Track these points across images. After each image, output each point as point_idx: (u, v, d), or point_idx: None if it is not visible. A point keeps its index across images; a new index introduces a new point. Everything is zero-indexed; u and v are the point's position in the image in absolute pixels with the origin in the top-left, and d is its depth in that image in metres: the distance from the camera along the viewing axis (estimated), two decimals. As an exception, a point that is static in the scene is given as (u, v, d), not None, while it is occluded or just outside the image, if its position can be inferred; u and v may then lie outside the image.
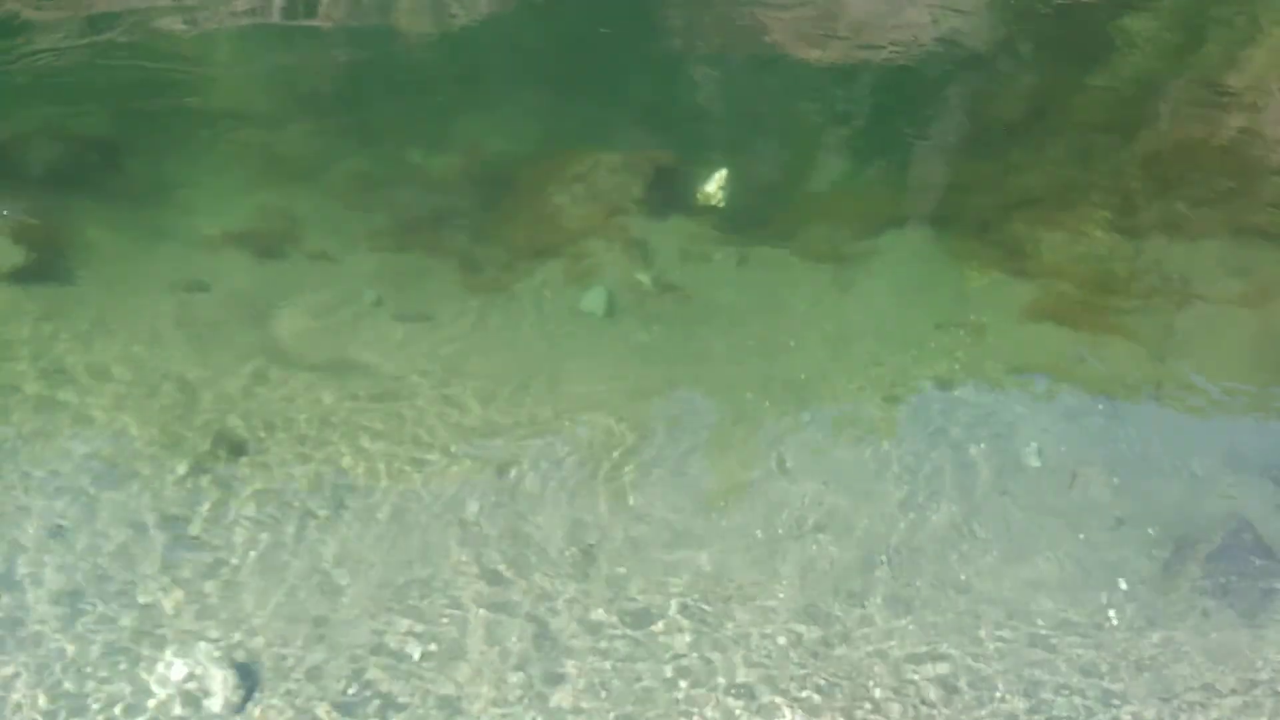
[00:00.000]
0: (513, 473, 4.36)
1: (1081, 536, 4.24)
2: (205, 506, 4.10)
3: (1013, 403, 4.91)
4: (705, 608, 3.89)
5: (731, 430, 4.67)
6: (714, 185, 6.18)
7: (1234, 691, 3.73)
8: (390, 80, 7.27)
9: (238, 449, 4.37)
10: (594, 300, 5.31)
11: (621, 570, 4.02)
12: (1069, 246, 6.01)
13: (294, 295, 5.26)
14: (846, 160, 6.95)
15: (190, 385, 4.66)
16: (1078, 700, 3.66)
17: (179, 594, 3.79)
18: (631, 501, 4.27)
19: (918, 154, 7.06)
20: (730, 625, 3.84)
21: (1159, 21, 8.83)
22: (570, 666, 3.66)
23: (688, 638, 3.79)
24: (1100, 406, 4.88)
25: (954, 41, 8.13)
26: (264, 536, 4.01)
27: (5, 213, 4.81)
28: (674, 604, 3.90)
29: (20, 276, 5.13)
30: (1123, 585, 4.03)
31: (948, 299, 5.64)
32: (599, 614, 3.85)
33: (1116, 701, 3.67)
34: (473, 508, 4.21)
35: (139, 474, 4.22)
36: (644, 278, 5.52)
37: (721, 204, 6.12)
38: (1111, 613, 3.93)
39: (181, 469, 4.25)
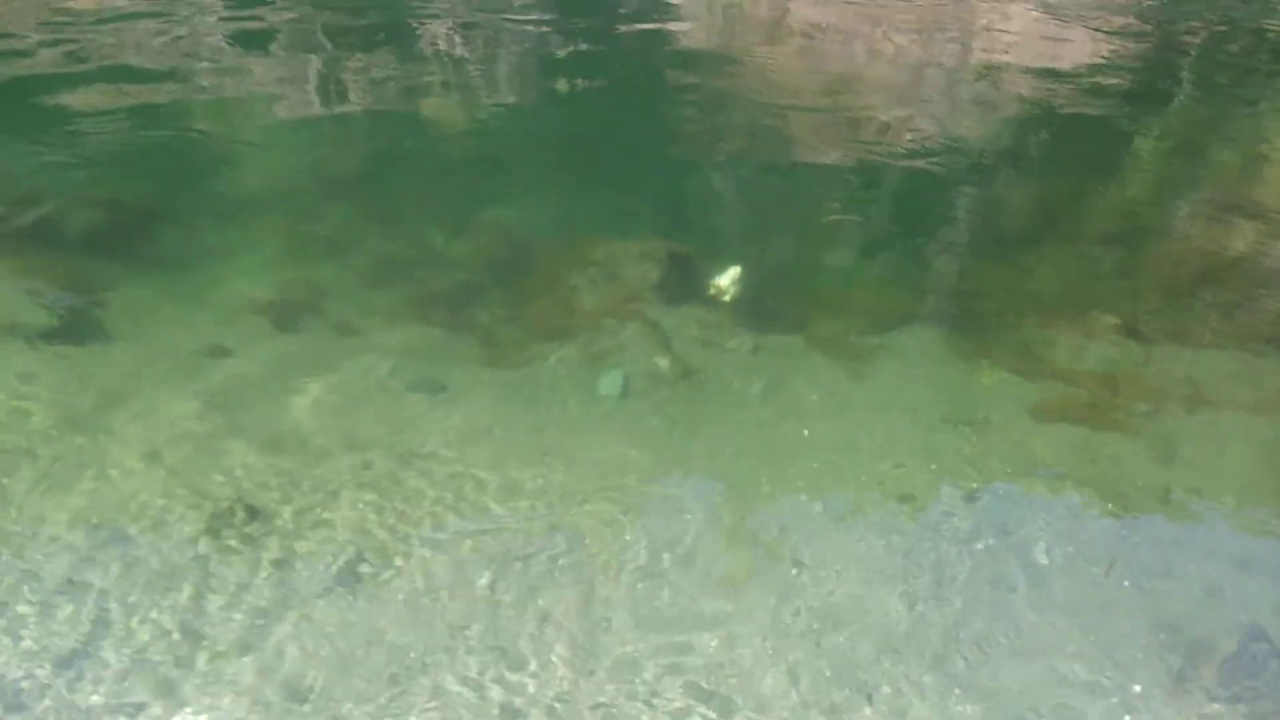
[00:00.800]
0: (525, 549, 4.36)
1: (1092, 639, 4.19)
2: (216, 569, 4.11)
3: (1021, 501, 4.91)
4: (711, 692, 3.84)
5: (742, 518, 4.68)
6: (727, 280, 6.31)
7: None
8: (416, 165, 7.52)
9: (251, 514, 4.40)
10: (611, 383, 5.39)
11: (629, 650, 3.98)
12: (1078, 350, 6.08)
13: (314, 365, 5.34)
14: (859, 258, 7.10)
15: (208, 449, 4.72)
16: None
17: (187, 650, 3.77)
18: (641, 584, 4.26)
19: (929, 255, 7.20)
20: (735, 713, 3.79)
21: (1168, 134, 9.11)
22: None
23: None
24: (1109, 508, 4.87)
25: (969, 148, 8.38)
26: (272, 604, 4.01)
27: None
28: (679, 686, 3.86)
29: (53, 335, 5.27)
30: (1136, 689, 3.97)
31: (957, 396, 5.68)
32: (608, 691, 3.80)
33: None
34: (483, 582, 4.20)
35: (151, 535, 4.24)
36: (662, 362, 5.60)
37: (732, 299, 6.23)
38: (1127, 717, 3.87)
39: (193, 532, 4.27)
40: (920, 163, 8.10)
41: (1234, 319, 6.50)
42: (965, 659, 4.06)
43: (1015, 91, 9.31)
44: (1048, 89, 9.30)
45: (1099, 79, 9.54)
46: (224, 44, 8.66)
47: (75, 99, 7.52)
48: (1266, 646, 4.11)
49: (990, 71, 9.68)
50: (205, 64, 8.27)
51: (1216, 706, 3.94)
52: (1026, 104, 9.15)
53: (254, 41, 8.65)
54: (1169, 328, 6.33)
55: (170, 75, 8.02)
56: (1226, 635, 4.21)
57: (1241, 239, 7.41)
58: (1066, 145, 8.69)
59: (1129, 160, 8.52)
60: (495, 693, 3.78)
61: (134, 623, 3.88)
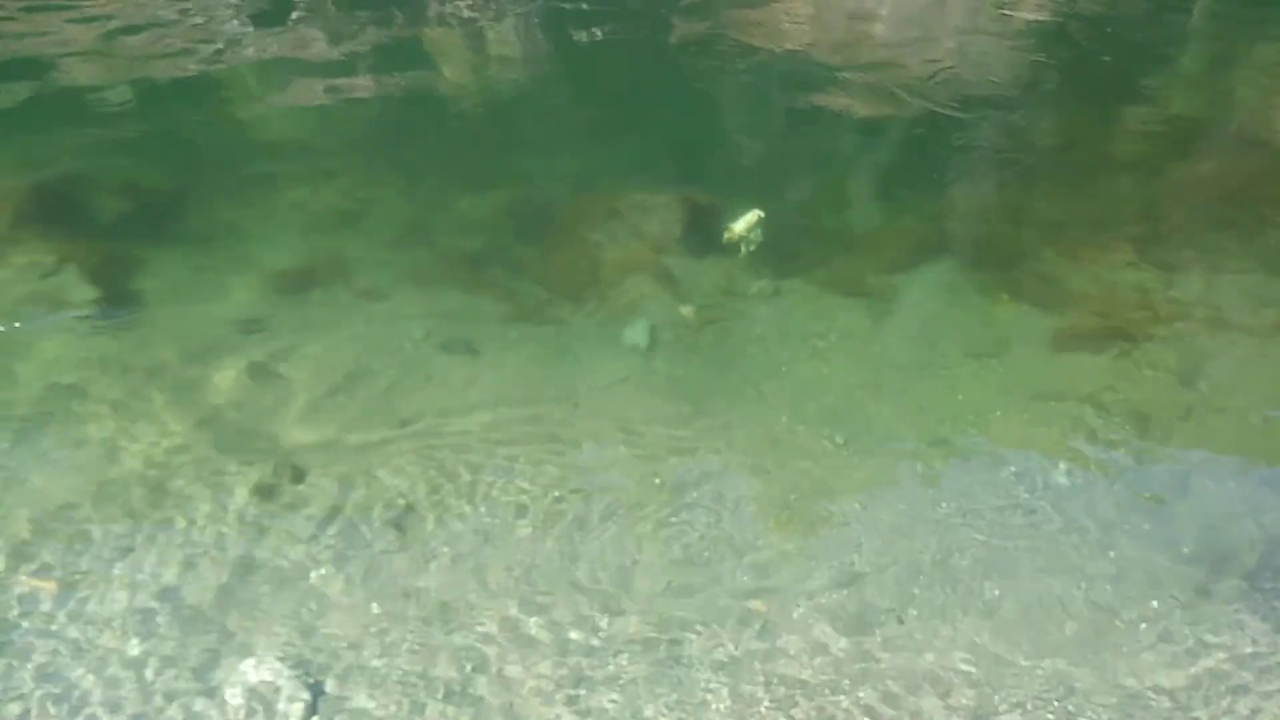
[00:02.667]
0: (563, 498, 4.52)
1: (1112, 554, 4.30)
2: (262, 531, 4.31)
3: (1042, 427, 5.00)
4: (745, 625, 4.00)
5: (768, 458, 4.81)
6: (744, 225, 6.35)
7: (1266, 693, 3.78)
8: (433, 129, 7.59)
9: (296, 476, 4.58)
10: (637, 334, 5.50)
11: (661, 586, 4.16)
12: (1098, 277, 6.11)
13: (346, 332, 5.50)
14: (876, 198, 7.12)
15: (250, 415, 4.90)
16: (1114, 707, 3.71)
17: (243, 610, 3.98)
18: (675, 525, 4.41)
19: (946, 190, 7.21)
20: (771, 640, 3.95)
21: (1190, 59, 8.99)
22: (613, 672, 3.78)
23: (729, 649, 3.90)
24: (1130, 430, 4.96)
25: (985, 81, 8.31)
26: (318, 560, 4.20)
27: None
28: (712, 619, 4.03)
29: (86, 317, 5.43)
30: (1154, 604, 4.09)
31: (978, 329, 5.75)
32: (638, 628, 3.98)
33: (1151, 707, 3.72)
34: (525, 532, 4.38)
35: (202, 501, 4.44)
36: (686, 311, 5.70)
37: (753, 246, 6.30)
38: (1144, 626, 3.99)
39: (243, 495, 4.46)
40: (936, 98, 8.05)
41: (1253, 242, 6.49)
42: (990, 582, 4.19)
43: (1031, 21, 9.20)
44: (1063, 19, 9.18)
45: (1116, 7, 9.40)
46: (235, 19, 8.72)
47: (89, 80, 7.63)
48: (1285, 557, 4.22)
49: (1006, 3, 9.56)
50: (218, 40, 8.34)
51: (1237, 618, 4.05)
52: (1043, 35, 9.04)
53: (265, 17, 8.70)
54: (1189, 253, 6.33)
55: (185, 53, 8.10)
56: (1248, 550, 4.32)
57: (1261, 164, 7.36)
58: (1083, 75, 8.60)
59: (1147, 88, 8.43)
60: (541, 635, 3.95)
61: (190, 584, 4.09)
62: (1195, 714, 3.72)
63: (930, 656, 3.90)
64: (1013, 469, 4.73)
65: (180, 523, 4.33)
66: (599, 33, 8.97)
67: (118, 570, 4.12)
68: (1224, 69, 8.97)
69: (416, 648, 3.89)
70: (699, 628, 3.99)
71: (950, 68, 8.46)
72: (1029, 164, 7.44)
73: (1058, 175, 7.24)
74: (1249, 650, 3.93)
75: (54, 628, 3.88)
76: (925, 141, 7.63)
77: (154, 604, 4.00)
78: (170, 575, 4.11)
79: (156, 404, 4.91)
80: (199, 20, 8.63)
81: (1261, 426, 5.03)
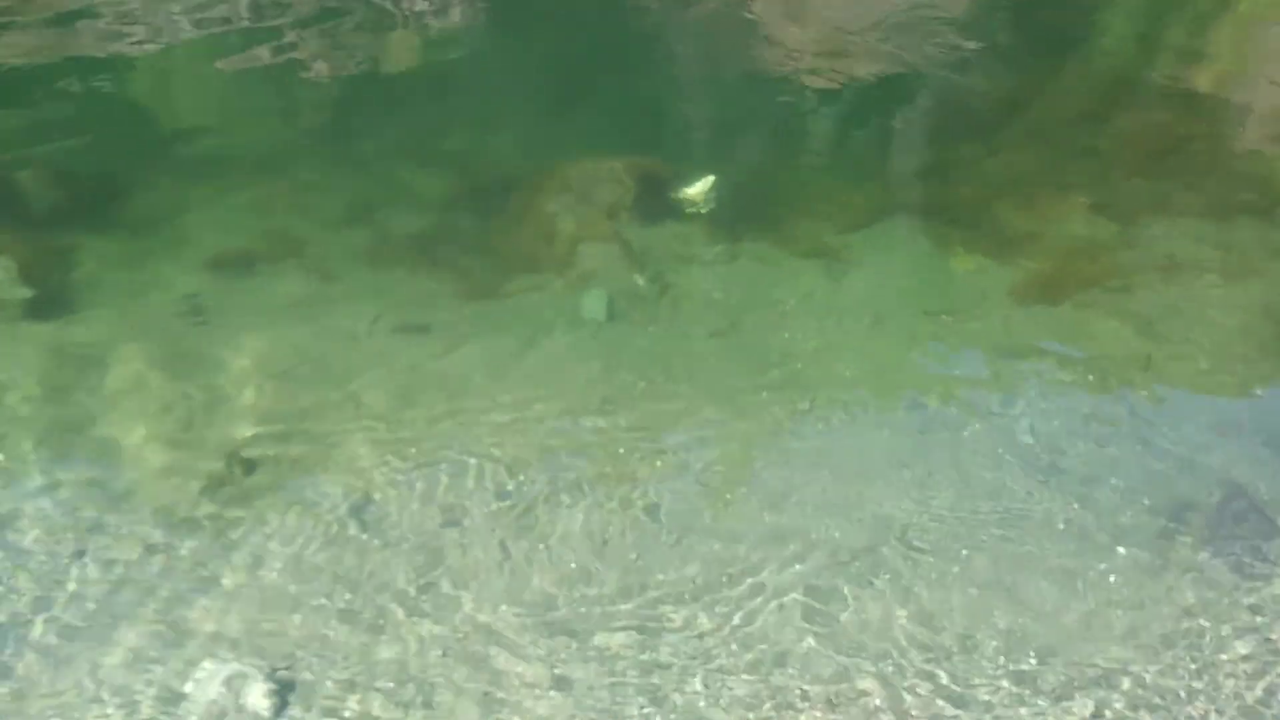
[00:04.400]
0: (525, 479, 4.45)
1: (1077, 507, 4.33)
2: (220, 524, 4.19)
3: (1004, 383, 5.02)
4: (714, 596, 3.97)
5: (733, 426, 4.77)
6: (697, 189, 6.30)
7: (1230, 636, 3.83)
8: (377, 106, 7.43)
9: (248, 468, 4.46)
10: (595, 306, 5.41)
11: (633, 557, 4.11)
12: (1052, 230, 6.14)
13: (295, 316, 5.36)
14: (829, 158, 7.11)
15: (199, 407, 4.75)
16: (1084, 658, 3.75)
17: (205, 608, 3.87)
18: (643, 499, 4.36)
19: (898, 148, 7.21)
20: (741, 607, 3.93)
21: (1128, 8, 9.03)
22: (593, 658, 3.74)
23: (702, 623, 3.87)
24: (1090, 381, 4.99)
25: (932, 38, 8.29)
26: (277, 554, 4.09)
27: None
28: (686, 589, 3.99)
29: (26, 310, 5.23)
30: (1121, 551, 4.13)
31: (936, 286, 5.76)
32: (618, 605, 3.93)
33: (1119, 655, 3.76)
34: (490, 509, 4.30)
35: (152, 495, 4.31)
36: (644, 281, 5.63)
37: (705, 209, 6.24)
38: (1113, 578, 4.02)
39: (194, 491, 4.33)
40: (883, 56, 8.04)
41: (1201, 190, 6.55)
42: (956, 540, 4.19)
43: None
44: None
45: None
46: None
47: (11, 60, 7.33)
48: (1245, 502, 4.27)
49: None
50: (151, 18, 8.05)
51: (1201, 559, 4.10)
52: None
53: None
54: (1140, 203, 6.37)
55: (115, 34, 7.81)
56: (1207, 494, 4.36)
57: (1205, 114, 7.43)
58: (1028, 30, 8.61)
59: (1089, 40, 8.47)
60: (512, 621, 3.89)
61: (144, 585, 3.96)
62: (1161, 663, 3.75)
63: (901, 618, 3.89)
64: (976, 426, 4.73)
65: (128, 522, 4.18)
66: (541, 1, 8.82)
67: (69, 569, 3.97)
68: (1161, 17, 9.03)
69: (385, 639, 3.80)
70: (672, 602, 3.95)
71: (897, 25, 8.42)
72: (977, 119, 7.45)
73: (1007, 131, 7.26)
74: (1212, 595, 3.98)
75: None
76: (874, 101, 7.62)
77: (106, 606, 3.87)
78: (120, 575, 3.97)
79: (98, 399, 4.74)
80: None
81: (1219, 373, 5.08)
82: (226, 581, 3.97)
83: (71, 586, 3.93)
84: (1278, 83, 8.15)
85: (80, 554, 4.04)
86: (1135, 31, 8.79)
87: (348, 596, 3.93)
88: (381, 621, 3.85)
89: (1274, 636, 3.82)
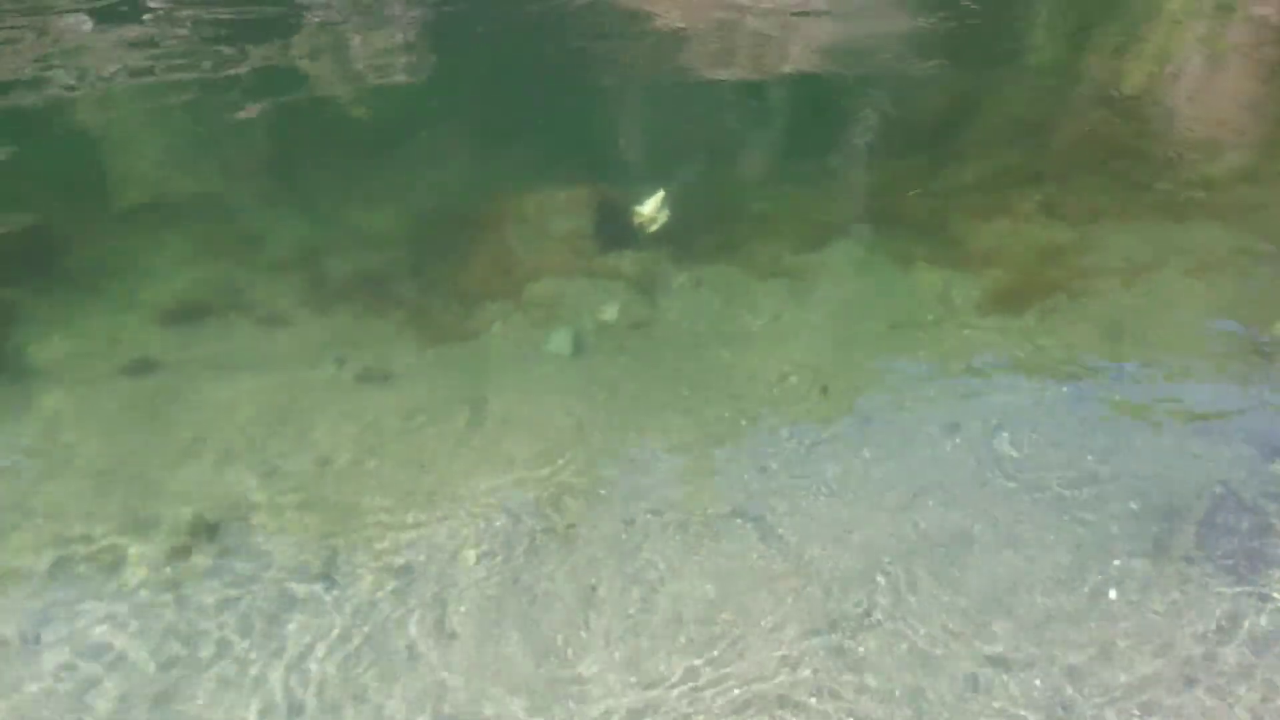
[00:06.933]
0: (499, 524, 4.28)
1: (1066, 518, 4.27)
2: (180, 599, 3.95)
3: (978, 396, 4.97)
4: (704, 631, 3.84)
5: (707, 456, 4.65)
6: (650, 206, 6.23)
7: (1229, 637, 3.79)
8: (322, 147, 7.23)
9: (210, 534, 4.23)
10: (560, 341, 5.27)
11: (613, 593, 3.96)
12: (1010, 237, 6.16)
13: (249, 367, 5.14)
14: (782, 174, 7.09)
15: (151, 472, 4.50)
16: (1089, 673, 3.68)
17: (175, 683, 3.64)
18: (622, 534, 4.22)
19: (849, 162, 7.23)
20: (729, 639, 3.80)
21: (1067, 19, 9.20)
22: (575, 691, 3.59)
23: (688, 660, 3.74)
24: (1065, 390, 4.96)
25: (874, 51, 8.35)
26: (245, 624, 3.88)
27: None
28: (667, 622, 3.86)
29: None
30: (1116, 563, 4.07)
31: (900, 301, 5.71)
32: (607, 656, 3.78)
33: (1125, 667, 3.69)
34: (467, 554, 4.12)
35: (105, 568, 4.06)
36: (609, 312, 5.50)
37: (659, 226, 6.17)
38: (1112, 592, 3.96)
39: (150, 561, 4.09)
40: (827, 70, 8.08)
41: (1151, 191, 6.63)
42: (944, 558, 4.11)
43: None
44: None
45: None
46: (98, 42, 8.15)
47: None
48: (1235, 503, 4.24)
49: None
50: (78, 60, 7.78)
51: (1197, 566, 4.05)
52: (925, 2, 9.15)
53: (130, 36, 8.16)
54: (1095, 206, 6.44)
55: (40, 80, 7.52)
56: (1196, 498, 4.32)
57: (1150, 115, 7.57)
58: (971, 39, 8.72)
59: (1032, 48, 8.60)
60: (495, 667, 3.72)
61: (108, 664, 3.72)
62: (1160, 669, 3.70)
63: (900, 642, 3.79)
64: (957, 440, 4.67)
65: (89, 598, 3.93)
66: (484, 32, 8.71)
67: (27, 649, 3.72)
68: (1103, 23, 9.21)
69: (363, 702, 3.61)
70: (653, 627, 3.81)
71: (839, 39, 8.48)
72: (925, 130, 7.49)
73: (957, 140, 7.31)
74: (1210, 601, 3.93)
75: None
76: (820, 114, 7.64)
77: (75, 684, 3.62)
78: (89, 652, 3.73)
79: (40, 470, 4.48)
80: (53, 39, 8.04)
81: (1189, 372, 5.09)
82: (196, 657, 3.74)
83: (18, 661, 3.67)
84: (1208, 81, 8.35)
85: (28, 638, 3.79)
86: (1069, 40, 8.96)
87: (322, 664, 3.73)
88: (365, 685, 3.65)
89: (1273, 636, 3.79)
